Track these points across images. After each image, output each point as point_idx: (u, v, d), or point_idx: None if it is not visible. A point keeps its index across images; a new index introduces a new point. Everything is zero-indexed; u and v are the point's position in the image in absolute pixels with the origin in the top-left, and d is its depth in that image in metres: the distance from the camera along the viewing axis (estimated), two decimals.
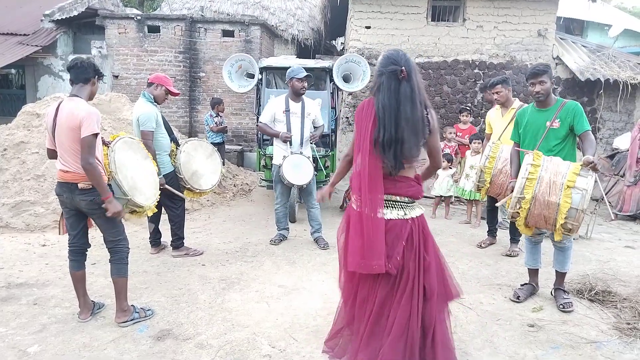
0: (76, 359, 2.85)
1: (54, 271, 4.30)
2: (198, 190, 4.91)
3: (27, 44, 10.81)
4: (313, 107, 5.37)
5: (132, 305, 3.38)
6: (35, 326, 3.24)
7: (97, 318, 3.38)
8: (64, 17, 11.25)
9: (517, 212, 3.44)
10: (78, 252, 3.35)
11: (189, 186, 4.79)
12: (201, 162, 4.93)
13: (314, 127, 5.43)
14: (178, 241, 4.87)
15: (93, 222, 3.35)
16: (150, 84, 4.62)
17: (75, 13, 11.26)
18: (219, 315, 3.47)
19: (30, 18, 12.13)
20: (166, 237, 5.02)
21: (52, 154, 3.28)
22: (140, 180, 3.60)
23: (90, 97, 3.26)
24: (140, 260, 4.61)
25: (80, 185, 3.12)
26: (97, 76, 3.26)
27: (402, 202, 2.60)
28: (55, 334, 3.14)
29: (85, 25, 11.85)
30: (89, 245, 3.41)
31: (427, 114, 2.52)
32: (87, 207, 3.18)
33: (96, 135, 3.07)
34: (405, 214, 2.58)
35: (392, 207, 2.58)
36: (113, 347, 2.99)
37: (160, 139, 4.58)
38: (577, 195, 3.22)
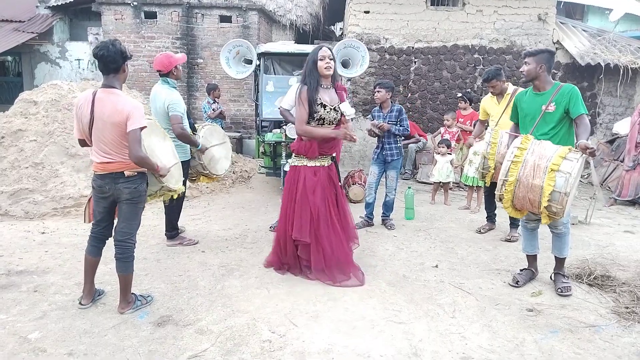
0: (77, 345, 2.86)
1: (53, 258, 4.31)
2: (215, 175, 4.95)
3: (23, 31, 10.71)
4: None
5: (132, 294, 3.38)
6: (36, 313, 3.25)
7: (98, 305, 3.39)
8: (59, 4, 11.13)
9: (503, 195, 3.46)
10: (100, 240, 3.36)
11: (207, 172, 4.82)
12: (217, 147, 4.96)
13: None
14: (172, 231, 4.85)
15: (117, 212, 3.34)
16: (167, 73, 4.46)
17: None
18: (219, 301, 3.48)
19: (25, 4, 12.01)
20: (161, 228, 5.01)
21: (85, 143, 3.26)
22: (168, 165, 3.56)
23: (123, 82, 3.22)
24: (140, 247, 4.57)
25: (126, 173, 3.12)
26: (125, 61, 3.13)
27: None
28: (55, 320, 3.15)
29: (81, 12, 11.73)
30: (111, 235, 3.39)
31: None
32: (129, 195, 3.16)
33: (142, 128, 3.04)
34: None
35: None
36: (113, 333, 3.00)
37: (185, 123, 4.55)
38: (560, 178, 3.22)
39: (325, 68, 3.76)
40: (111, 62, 3.04)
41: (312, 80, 3.79)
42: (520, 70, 3.91)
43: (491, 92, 5.32)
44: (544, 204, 3.27)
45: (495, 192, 3.55)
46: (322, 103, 3.80)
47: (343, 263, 3.91)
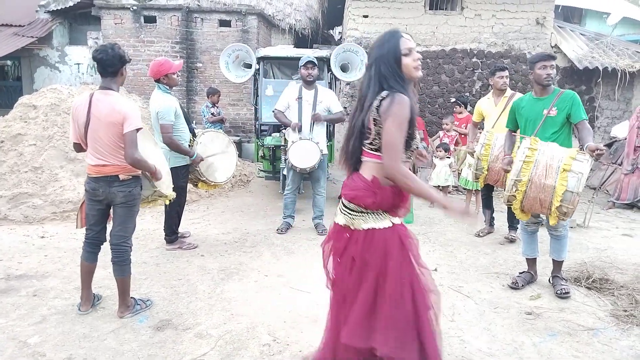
0: (76, 349, 2.86)
1: (53, 263, 4.31)
2: (213, 183, 4.90)
3: (23, 35, 10.74)
4: (326, 95, 5.42)
5: (132, 298, 3.38)
6: (35, 317, 3.25)
7: (97, 309, 3.39)
8: (59, 8, 11.16)
9: (514, 196, 3.46)
10: (96, 245, 3.36)
11: (204, 178, 4.76)
12: (217, 155, 4.91)
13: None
14: (172, 235, 4.84)
15: (111, 215, 3.34)
16: (158, 80, 4.42)
17: (71, 3, 11.15)
18: (219, 305, 3.49)
19: (25, 9, 12.03)
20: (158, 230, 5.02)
21: (80, 148, 3.26)
22: (160, 170, 3.57)
23: (121, 85, 3.26)
24: (139, 251, 4.61)
25: (121, 177, 3.13)
26: (124, 65, 3.18)
27: (345, 205, 2.16)
28: (55, 324, 3.16)
29: (81, 16, 11.76)
30: (106, 239, 3.40)
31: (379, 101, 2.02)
32: (123, 199, 3.17)
33: (139, 130, 3.07)
34: (346, 222, 2.14)
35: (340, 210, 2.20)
36: (113, 338, 3.00)
37: (182, 128, 4.52)
38: (573, 178, 3.25)
39: (414, 67, 2.10)
40: (110, 65, 3.10)
41: (405, 86, 2.08)
42: (548, 74, 3.69)
43: (502, 85, 5.21)
44: (556, 204, 3.29)
45: (506, 193, 3.55)
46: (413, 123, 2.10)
47: None
